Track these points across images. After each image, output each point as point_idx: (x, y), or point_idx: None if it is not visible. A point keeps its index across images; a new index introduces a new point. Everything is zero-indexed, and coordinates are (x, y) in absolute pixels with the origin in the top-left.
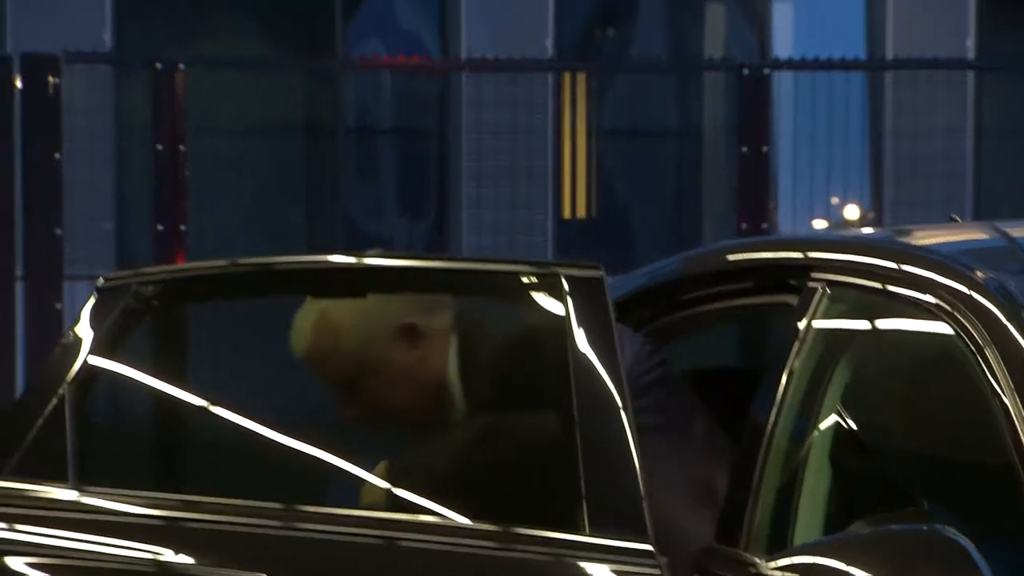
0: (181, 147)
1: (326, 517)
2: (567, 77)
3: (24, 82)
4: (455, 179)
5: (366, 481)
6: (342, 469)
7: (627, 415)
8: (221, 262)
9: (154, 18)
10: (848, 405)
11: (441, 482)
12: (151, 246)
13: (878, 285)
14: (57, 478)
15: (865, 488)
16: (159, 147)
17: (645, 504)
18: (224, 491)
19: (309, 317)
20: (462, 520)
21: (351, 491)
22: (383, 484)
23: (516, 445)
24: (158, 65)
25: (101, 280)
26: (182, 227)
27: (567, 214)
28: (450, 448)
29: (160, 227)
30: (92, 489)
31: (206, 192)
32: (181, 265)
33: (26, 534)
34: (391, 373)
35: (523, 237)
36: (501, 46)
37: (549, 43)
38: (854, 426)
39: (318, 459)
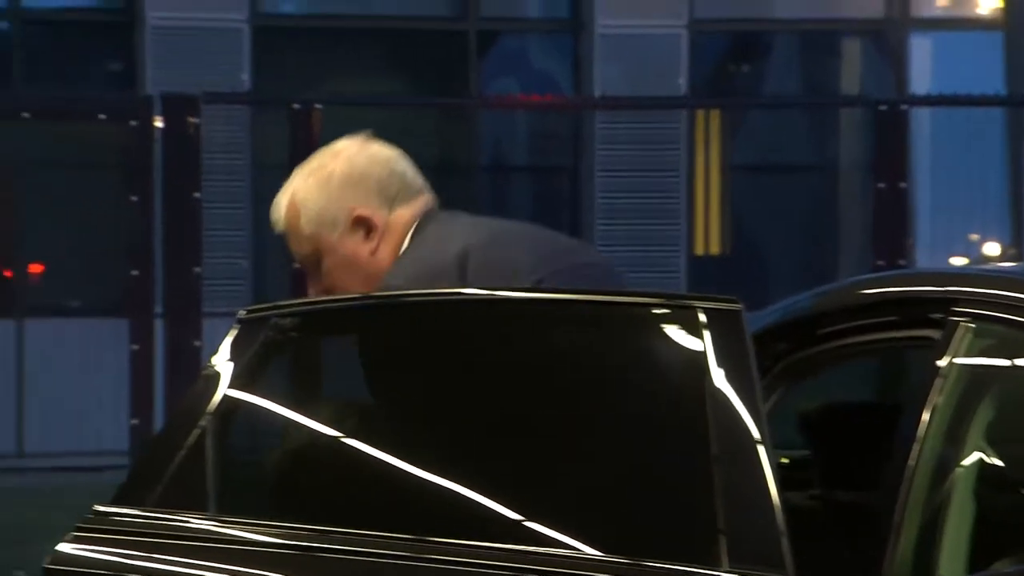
0: None
1: (460, 549)
2: (701, 114)
3: (165, 122)
4: (588, 216)
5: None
6: (478, 501)
7: (767, 450)
8: (357, 294)
9: (291, 58)
10: (993, 441)
11: (575, 515)
12: (288, 284)
13: None
14: (198, 508)
15: (1010, 525)
16: None
17: (784, 539)
18: (360, 523)
19: (286, 193)
20: (595, 553)
21: (487, 524)
22: None
23: (652, 478)
24: (295, 105)
25: (242, 312)
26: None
27: (700, 251)
28: (587, 480)
29: (296, 265)
30: (232, 519)
31: None
32: (319, 298)
33: (169, 564)
34: (343, 258)
35: (656, 274)
36: (634, 83)
37: (683, 80)
38: (1000, 463)
39: (453, 491)
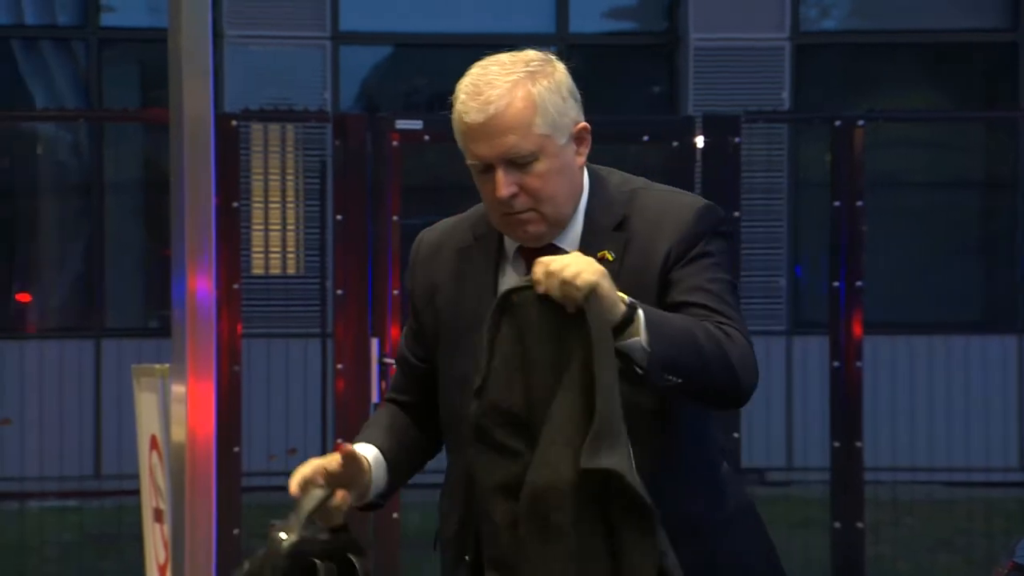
0: (859, 202)
1: None
2: None
3: (705, 142)
4: None
5: None
6: None
7: None
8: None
9: (832, 75)
10: None
11: None
12: (824, 302)
13: None
14: None
15: None
16: (836, 203)
17: None
18: None
19: (502, 87)
20: None
21: None
22: None
23: None
24: (836, 121)
25: None
26: (858, 283)
27: None
28: None
29: (835, 283)
30: None
31: (882, 247)
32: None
33: None
34: (561, 166)
35: None
36: None
37: None
38: None
39: None
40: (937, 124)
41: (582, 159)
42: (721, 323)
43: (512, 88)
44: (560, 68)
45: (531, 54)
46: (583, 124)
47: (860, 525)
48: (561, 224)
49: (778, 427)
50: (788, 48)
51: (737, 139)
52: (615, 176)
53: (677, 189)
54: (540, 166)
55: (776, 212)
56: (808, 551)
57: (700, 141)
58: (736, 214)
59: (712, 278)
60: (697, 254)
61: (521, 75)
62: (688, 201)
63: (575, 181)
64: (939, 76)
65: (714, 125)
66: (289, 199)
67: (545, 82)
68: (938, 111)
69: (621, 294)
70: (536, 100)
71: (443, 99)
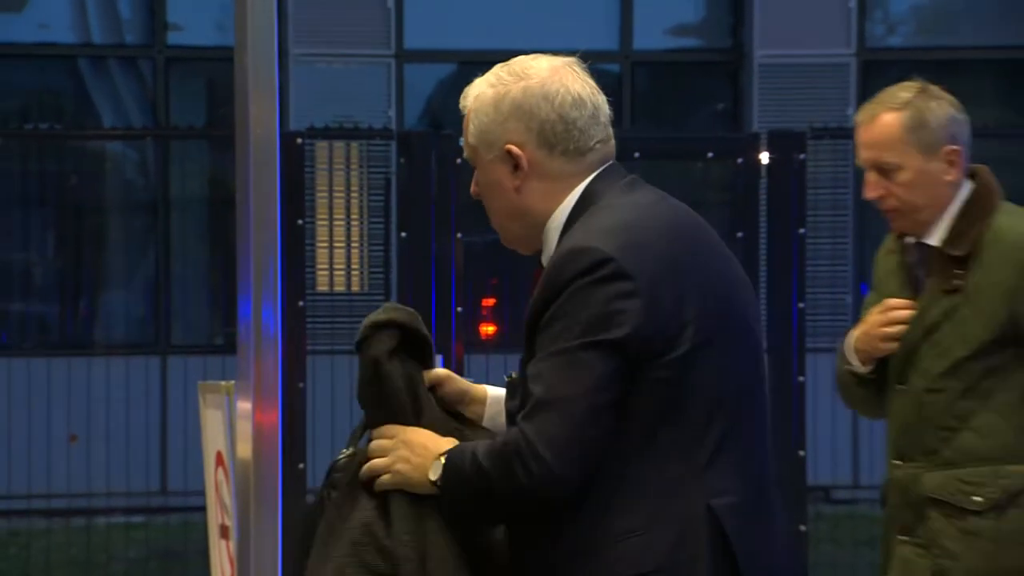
0: None
1: None
2: None
3: (770, 158)
4: None
5: None
6: None
7: None
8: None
9: None
10: None
11: None
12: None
13: None
14: None
15: None
16: None
17: None
18: None
19: (477, 87)
20: None
21: None
22: None
23: None
24: None
25: None
26: None
27: None
28: None
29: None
30: None
31: None
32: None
33: None
34: (489, 182)
35: None
36: None
37: None
38: None
39: None
40: (1004, 141)
41: (519, 182)
42: (518, 435)
43: (473, 89)
44: (523, 85)
45: (540, 62)
46: (510, 147)
47: None
48: (510, 241)
49: (844, 444)
50: (854, 64)
51: (802, 156)
52: (655, 209)
53: (603, 219)
54: (477, 176)
55: (842, 229)
56: (875, 569)
57: (765, 158)
58: (802, 231)
59: (543, 365)
60: (550, 316)
61: (491, 79)
62: (568, 244)
63: (510, 201)
64: (1005, 93)
65: (779, 142)
66: (353, 216)
67: (491, 92)
68: (1004, 128)
69: (448, 443)
70: (473, 108)
71: None
